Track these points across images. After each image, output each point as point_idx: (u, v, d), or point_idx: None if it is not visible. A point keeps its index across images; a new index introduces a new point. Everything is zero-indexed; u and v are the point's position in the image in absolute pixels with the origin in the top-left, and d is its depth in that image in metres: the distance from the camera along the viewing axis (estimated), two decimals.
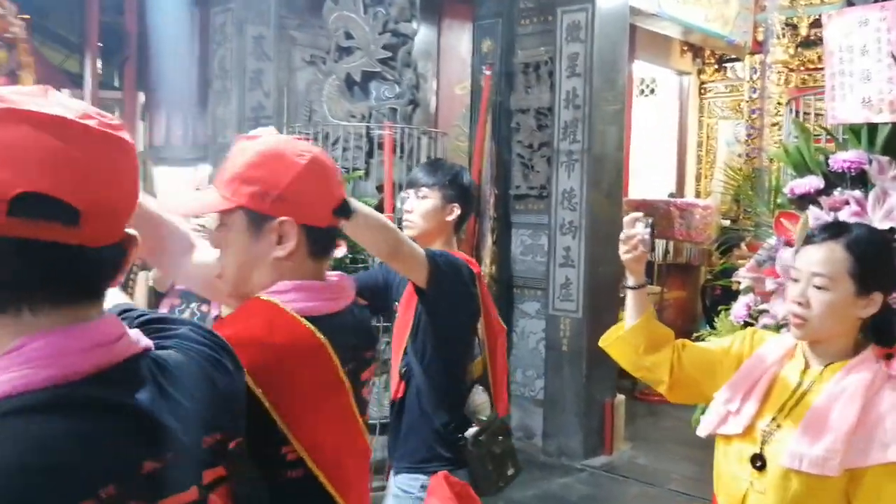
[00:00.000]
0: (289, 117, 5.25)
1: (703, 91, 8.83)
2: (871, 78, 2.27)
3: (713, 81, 8.77)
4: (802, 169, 2.33)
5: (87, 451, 0.70)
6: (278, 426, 1.14)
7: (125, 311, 1.01)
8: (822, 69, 2.48)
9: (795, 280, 1.56)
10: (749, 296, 2.21)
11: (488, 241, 5.29)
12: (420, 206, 2.20)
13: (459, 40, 6.70)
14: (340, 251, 3.52)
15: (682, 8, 6.42)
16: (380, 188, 4.19)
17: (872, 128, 2.26)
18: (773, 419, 1.56)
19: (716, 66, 8.70)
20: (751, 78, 8.04)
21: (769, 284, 2.13)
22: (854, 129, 2.32)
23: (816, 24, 6.71)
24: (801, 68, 7.32)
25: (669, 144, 8.76)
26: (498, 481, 2.16)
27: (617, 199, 5.30)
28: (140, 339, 0.84)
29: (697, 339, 2.08)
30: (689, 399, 1.90)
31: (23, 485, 0.66)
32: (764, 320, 2.13)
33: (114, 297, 1.07)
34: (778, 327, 2.07)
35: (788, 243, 2.16)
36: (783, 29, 7.18)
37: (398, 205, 3.53)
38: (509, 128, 5.46)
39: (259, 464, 1.11)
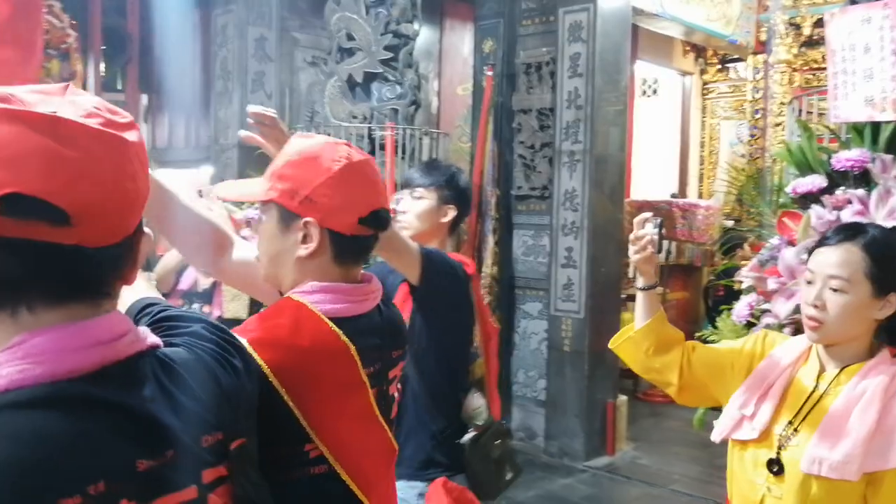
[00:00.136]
0: (291, 118, 5.26)
1: (705, 91, 8.83)
2: (873, 76, 2.26)
3: (716, 82, 8.76)
4: (805, 168, 2.32)
5: (75, 448, 0.70)
6: (301, 424, 1.17)
7: (148, 305, 1.01)
8: (825, 69, 2.47)
9: (810, 282, 1.54)
10: (751, 295, 2.20)
11: (490, 241, 5.29)
12: (415, 207, 2.19)
13: (461, 41, 6.70)
14: None
15: (684, 8, 6.41)
16: None
17: (875, 126, 2.25)
18: (790, 423, 1.54)
19: (718, 67, 8.69)
20: (754, 78, 8.03)
21: (771, 284, 2.12)
22: (857, 128, 2.31)
23: (819, 23, 6.69)
24: (805, 68, 7.31)
25: (672, 145, 8.75)
26: (497, 485, 2.15)
27: (619, 200, 5.30)
28: (147, 337, 0.84)
29: (700, 339, 2.07)
30: (698, 402, 1.89)
31: (8, 478, 0.66)
32: (766, 320, 2.12)
33: (140, 292, 1.08)
34: (780, 327, 2.06)
35: (791, 243, 2.15)
36: (786, 29, 7.17)
37: (393, 205, 3.52)
38: (511, 128, 5.45)
39: (282, 460, 1.17)
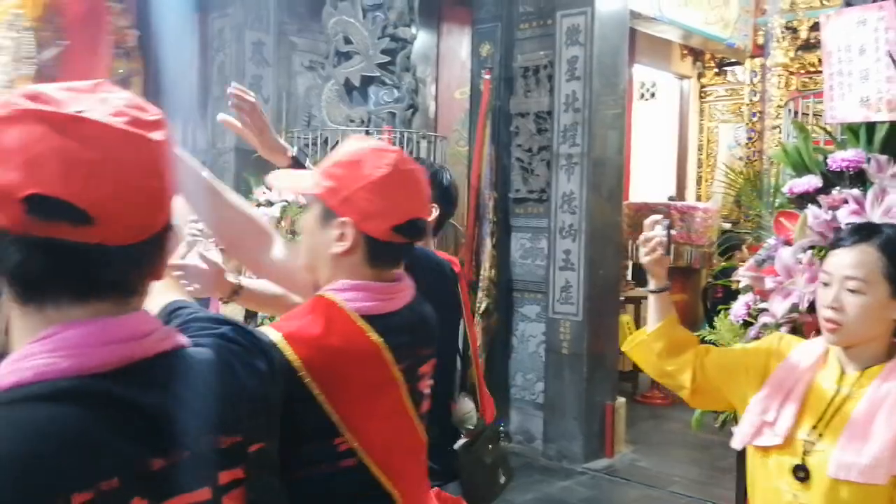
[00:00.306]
0: (288, 122, 5.26)
1: (703, 94, 8.85)
2: (869, 77, 2.27)
3: (713, 85, 8.78)
4: (801, 169, 2.33)
5: (91, 443, 0.71)
6: (331, 419, 1.21)
7: (180, 308, 1.01)
8: (821, 72, 2.48)
9: (826, 284, 1.53)
10: (749, 295, 2.20)
11: (488, 244, 5.29)
12: None
13: (459, 44, 6.71)
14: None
15: (682, 11, 6.43)
16: None
17: (870, 127, 2.26)
18: (814, 428, 1.52)
19: (716, 70, 8.71)
20: (751, 81, 8.05)
21: (769, 283, 2.12)
22: (852, 129, 2.32)
23: (816, 27, 6.69)
24: (802, 71, 7.32)
25: (670, 148, 8.77)
26: (492, 490, 2.14)
27: (617, 203, 5.30)
28: (173, 336, 0.84)
29: (700, 340, 2.07)
30: (711, 405, 1.88)
31: (21, 470, 0.66)
32: (763, 319, 2.12)
33: (171, 294, 1.08)
34: (777, 326, 2.07)
35: (787, 242, 2.16)
36: (783, 32, 7.19)
37: None
38: (509, 132, 5.46)
39: (311, 454, 1.22)
